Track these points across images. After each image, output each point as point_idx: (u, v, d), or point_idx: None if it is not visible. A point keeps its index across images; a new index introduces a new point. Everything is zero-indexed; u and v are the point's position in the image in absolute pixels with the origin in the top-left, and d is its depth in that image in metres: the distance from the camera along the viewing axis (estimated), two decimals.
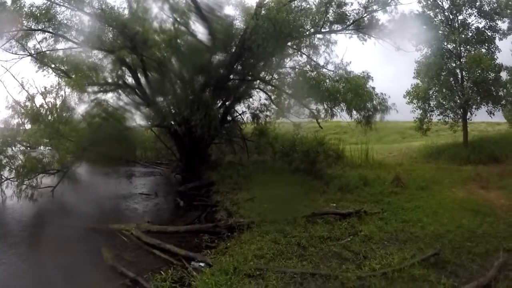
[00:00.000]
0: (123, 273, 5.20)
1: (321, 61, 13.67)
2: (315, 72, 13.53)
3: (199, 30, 13.19)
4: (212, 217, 8.56)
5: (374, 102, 12.71)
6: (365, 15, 13.16)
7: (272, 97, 15.23)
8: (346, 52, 14.59)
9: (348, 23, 13.18)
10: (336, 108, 13.03)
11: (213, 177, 12.23)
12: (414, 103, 16.09)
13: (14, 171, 10.31)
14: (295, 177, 10.91)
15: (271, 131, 14.60)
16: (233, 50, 13.34)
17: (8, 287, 5.10)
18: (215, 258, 5.53)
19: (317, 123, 13.80)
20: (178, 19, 12.80)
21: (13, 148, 10.85)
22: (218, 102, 13.89)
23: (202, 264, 5.43)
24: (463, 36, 14.96)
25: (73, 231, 7.66)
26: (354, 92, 12.34)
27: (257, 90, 15.18)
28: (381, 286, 4.17)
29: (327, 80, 13.09)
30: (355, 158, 13.91)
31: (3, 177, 10.23)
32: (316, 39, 13.64)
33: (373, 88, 12.78)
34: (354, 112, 12.81)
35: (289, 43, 13.22)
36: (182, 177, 13.64)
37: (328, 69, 13.46)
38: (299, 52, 13.99)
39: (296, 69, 14.20)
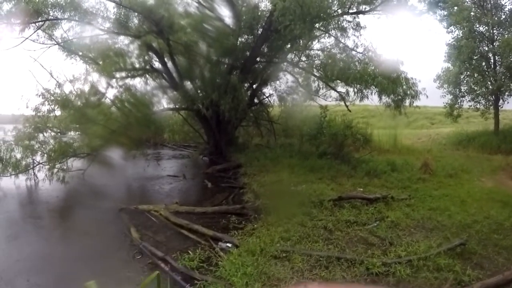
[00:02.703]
0: (152, 252, 5.33)
1: (350, 44, 13.38)
2: (344, 54, 13.29)
3: (225, 13, 13.20)
4: (239, 199, 8.61)
5: (404, 86, 12.42)
6: None
7: (300, 80, 15.14)
8: (375, 34, 14.05)
9: (376, 3, 12.73)
10: (366, 91, 12.89)
11: (241, 159, 12.33)
12: (445, 88, 15.68)
13: (45, 155, 10.72)
14: (322, 160, 10.90)
15: (299, 113, 14.57)
16: (260, 33, 13.30)
17: (37, 266, 5.25)
18: (242, 239, 5.58)
19: (345, 106, 13.62)
20: (203, 2, 12.82)
21: (44, 133, 11.26)
22: (245, 84, 13.90)
23: (229, 245, 5.49)
24: (496, 18, 14.36)
25: (102, 211, 7.96)
26: (385, 75, 12.17)
27: (285, 72, 15.10)
28: (406, 274, 4.13)
29: (356, 63, 12.84)
30: (383, 142, 13.72)
31: (35, 161, 10.65)
32: (344, 21, 13.29)
33: (404, 72, 12.45)
34: (384, 96, 12.65)
35: (317, 25, 12.83)
36: (210, 159, 13.81)
37: (357, 51, 13.18)
38: (327, 34, 13.70)
39: (324, 52, 13.96)
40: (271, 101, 15.87)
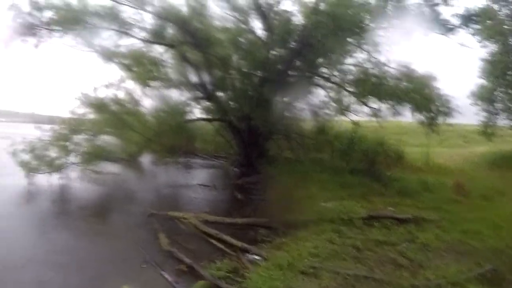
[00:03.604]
0: (179, 259, 5.44)
1: (382, 59, 13.18)
2: (376, 69, 13.17)
3: (258, 26, 13.54)
4: (269, 212, 8.53)
5: (437, 103, 12.23)
6: (425, 9, 12.67)
7: (332, 94, 15.11)
8: (407, 49, 13.88)
9: (408, 17, 12.70)
10: (398, 107, 12.77)
11: (271, 172, 12.28)
12: (479, 105, 15.21)
13: (79, 156, 11.11)
14: (352, 177, 10.78)
15: (330, 128, 14.53)
16: (292, 46, 13.36)
17: (64, 260, 5.44)
18: (270, 252, 5.59)
19: (376, 122, 13.49)
20: (238, 16, 13.09)
21: (79, 135, 11.57)
22: (277, 97, 14.02)
23: (257, 257, 5.52)
24: None
25: (132, 215, 8.22)
26: (418, 92, 12.03)
27: (317, 86, 15.12)
28: None
29: (389, 78, 12.77)
30: (415, 161, 13.45)
31: (69, 161, 11.05)
32: (377, 35, 13.10)
33: (437, 88, 12.26)
34: (416, 113, 12.49)
35: (349, 39, 12.89)
36: (240, 170, 14.02)
37: (390, 67, 13.01)
38: (359, 49, 13.51)
39: (357, 66, 13.85)
40: (303, 115, 15.81)
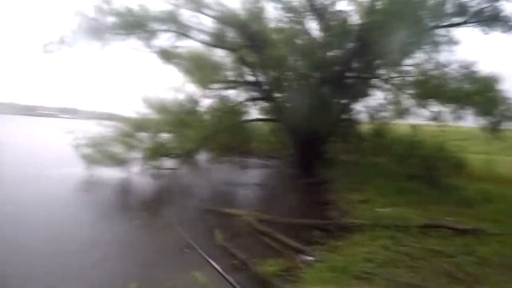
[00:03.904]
0: (233, 255, 5.63)
1: (443, 59, 12.91)
2: (437, 71, 12.82)
3: (314, 27, 13.76)
4: (324, 214, 8.68)
5: (502, 107, 11.59)
6: (487, 5, 12.03)
7: (390, 97, 14.83)
8: (469, 49, 13.18)
9: (469, 15, 12.25)
10: (460, 111, 12.29)
11: (327, 175, 12.35)
12: None
13: (141, 152, 11.91)
14: (410, 183, 10.47)
15: (388, 132, 14.29)
16: (349, 47, 13.31)
17: (123, 254, 5.89)
18: (324, 254, 5.63)
19: (437, 127, 13.04)
20: (294, 17, 13.19)
21: (142, 133, 12.44)
22: (335, 99, 14.05)
23: (311, 258, 5.56)
24: None
25: (189, 210, 8.67)
26: (481, 94, 11.49)
27: (375, 88, 14.95)
28: None
29: (450, 80, 12.36)
30: (477, 169, 12.76)
31: (131, 157, 11.90)
32: (436, 35, 12.87)
33: (502, 91, 11.62)
34: (479, 117, 11.92)
35: (408, 39, 12.48)
36: (296, 172, 14.09)
37: (451, 68, 12.61)
38: (418, 49, 13.28)
39: (416, 67, 13.55)
40: (360, 118, 15.70)
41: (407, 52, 13.23)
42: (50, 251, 5.78)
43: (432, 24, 12.47)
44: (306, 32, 13.66)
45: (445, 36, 12.81)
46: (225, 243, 6.22)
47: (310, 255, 5.72)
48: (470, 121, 12.24)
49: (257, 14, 13.49)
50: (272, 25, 14.01)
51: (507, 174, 12.59)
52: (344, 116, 15.16)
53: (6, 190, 9.48)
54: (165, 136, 13.08)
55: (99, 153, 11.79)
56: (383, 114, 15.09)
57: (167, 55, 14.18)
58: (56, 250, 5.82)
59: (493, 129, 11.79)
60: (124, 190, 10.84)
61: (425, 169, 10.97)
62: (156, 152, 12.03)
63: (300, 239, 6.61)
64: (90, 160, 11.68)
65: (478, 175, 12.21)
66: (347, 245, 6.10)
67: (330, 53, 13.58)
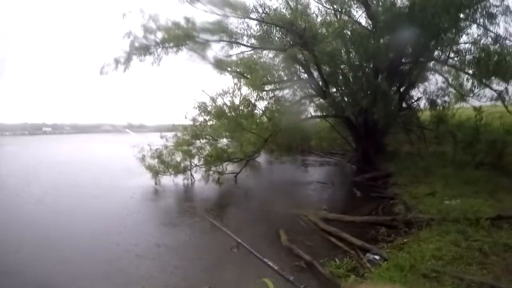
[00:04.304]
0: (298, 255, 5.68)
1: (502, 32, 12.05)
2: (497, 45, 11.98)
3: (361, 16, 13.54)
4: (389, 210, 8.57)
5: None
6: None
7: (450, 79, 14.28)
8: None
9: None
10: None
11: (390, 168, 12.14)
12: None
13: (202, 159, 12.34)
14: (479, 171, 9.99)
15: (451, 117, 13.72)
16: (401, 31, 12.63)
17: (188, 255, 6.24)
18: (390, 252, 5.60)
19: (502, 107, 12.28)
20: (340, 9, 13.03)
21: (201, 140, 12.92)
22: (392, 88, 13.69)
23: (377, 257, 5.53)
24: None
25: (253, 212, 8.88)
26: None
27: (433, 72, 14.48)
28: None
29: None
30: None
31: (192, 164, 12.37)
32: (491, 5, 11.95)
33: None
34: None
35: (462, 14, 11.97)
36: (358, 167, 14.04)
37: (511, 40, 11.84)
38: (474, 24, 12.48)
39: (475, 44, 12.70)
40: (421, 105, 15.27)
41: (462, 28, 12.66)
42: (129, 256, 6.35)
43: None
44: (354, 22, 13.38)
45: (499, 5, 11.96)
46: (290, 244, 6.31)
47: (376, 254, 5.70)
48: None
49: (302, 11, 13.53)
50: (319, 19, 13.96)
51: None
52: (403, 105, 14.69)
53: (85, 202, 10.38)
54: (224, 141, 13.54)
55: (162, 163, 12.43)
56: (444, 98, 14.62)
57: (220, 64, 14.58)
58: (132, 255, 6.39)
59: None
60: (187, 197, 11.30)
61: (494, 155, 10.36)
62: (217, 157, 12.45)
63: (366, 237, 6.64)
64: (155, 171, 12.36)
65: None
66: (414, 242, 6.00)
67: (382, 41, 13.12)
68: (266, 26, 13.79)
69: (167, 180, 12.25)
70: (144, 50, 13.39)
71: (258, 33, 14.04)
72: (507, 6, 11.90)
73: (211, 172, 12.36)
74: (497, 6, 11.93)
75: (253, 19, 13.61)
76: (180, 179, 12.40)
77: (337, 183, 12.08)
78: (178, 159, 12.57)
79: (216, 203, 10.32)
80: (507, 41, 11.89)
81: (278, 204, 9.17)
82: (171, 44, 13.44)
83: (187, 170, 12.53)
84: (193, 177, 12.56)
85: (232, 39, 13.96)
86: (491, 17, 12.01)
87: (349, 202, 10.16)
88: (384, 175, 12.06)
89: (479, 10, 12.03)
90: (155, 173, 12.33)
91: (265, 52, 14.84)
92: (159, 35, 13.40)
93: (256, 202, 10.09)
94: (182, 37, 13.19)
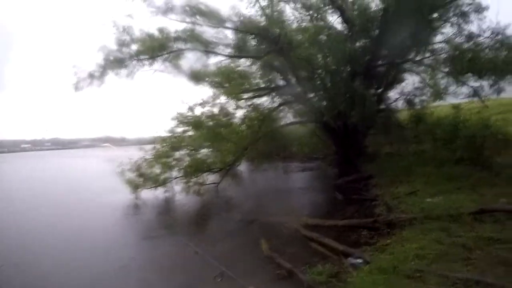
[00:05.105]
0: (279, 264, 5.54)
1: (475, 29, 12.25)
2: (470, 43, 12.21)
3: (336, 20, 13.63)
4: (371, 212, 8.48)
5: None
6: None
7: (426, 79, 14.29)
8: (499, 13, 12.34)
9: None
10: (501, 82, 11.59)
11: (371, 169, 12.14)
12: None
13: (182, 171, 12.09)
14: (459, 167, 10.00)
15: (429, 116, 13.80)
16: (375, 34, 13.05)
17: (166, 270, 6.02)
18: (373, 255, 5.49)
19: (478, 103, 12.50)
20: (315, 15, 13.02)
21: (180, 151, 12.66)
22: (370, 90, 13.66)
23: (359, 261, 5.41)
24: None
25: (233, 222, 8.69)
26: None
27: (409, 72, 14.51)
28: None
29: (486, 50, 11.77)
30: None
31: (172, 176, 12.09)
32: (463, 5, 12.16)
33: None
34: None
35: (435, 15, 12.16)
36: (339, 170, 13.92)
37: (484, 37, 11.99)
38: (447, 23, 12.70)
39: (448, 43, 12.87)
40: (399, 105, 15.33)
41: (436, 28, 12.83)
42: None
43: None
44: (329, 27, 13.41)
45: (471, 4, 12.15)
46: (272, 253, 6.15)
47: (358, 258, 5.55)
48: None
49: (277, 18, 13.46)
50: (294, 26, 13.92)
51: None
52: (381, 106, 14.69)
53: (65, 217, 10.20)
54: (203, 151, 13.28)
55: (142, 177, 12.15)
56: (422, 98, 14.67)
57: (196, 74, 14.36)
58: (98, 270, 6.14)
59: None
60: (167, 210, 11.06)
61: (473, 150, 10.35)
62: (197, 168, 12.23)
63: (348, 241, 6.52)
64: (134, 184, 12.05)
65: None
66: (397, 243, 5.89)
67: (357, 44, 13.28)
68: (241, 34, 13.62)
69: (148, 193, 11.95)
70: (119, 63, 13.07)
71: (234, 42, 13.85)
72: (479, 4, 12.08)
73: (191, 184, 12.11)
74: (469, 5, 12.13)
75: (228, 28, 13.45)
76: (160, 192, 12.10)
77: (318, 188, 11.97)
78: (158, 171, 12.31)
79: (197, 215, 10.12)
80: (480, 38, 12.05)
81: (260, 213, 9.07)
82: (146, 56, 13.16)
83: (167, 182, 12.25)
84: (174, 190, 12.25)
85: (208, 48, 13.74)
86: (464, 15, 12.20)
87: (331, 206, 10.07)
88: (365, 177, 12.00)
89: (452, 9, 12.24)
90: (135, 187, 12.02)
91: (242, 60, 14.66)
92: (134, 47, 13.15)
93: (238, 211, 9.90)
94: (156, 48, 12.93)
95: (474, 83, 12.42)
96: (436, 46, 13.41)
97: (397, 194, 9.12)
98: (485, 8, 12.01)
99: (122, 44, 12.92)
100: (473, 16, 12.14)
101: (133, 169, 12.29)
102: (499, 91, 11.73)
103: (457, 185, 8.78)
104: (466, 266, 4.84)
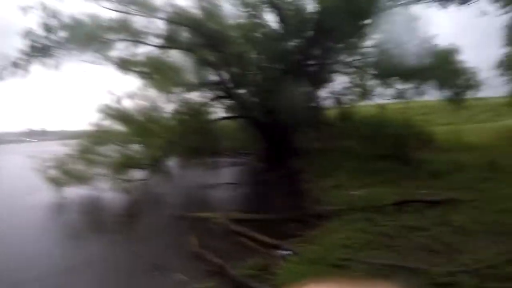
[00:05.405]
0: (209, 260, 5.40)
1: (402, 37, 12.79)
2: (397, 49, 12.78)
3: (272, 19, 13.49)
4: (299, 205, 8.47)
5: (464, 77, 11.95)
6: None
7: (355, 79, 14.92)
8: (427, 24, 13.43)
9: None
10: (424, 85, 12.47)
11: (299, 164, 12.24)
12: (507, 75, 14.52)
13: (108, 167, 11.27)
14: (382, 162, 10.45)
15: (356, 114, 14.31)
16: (309, 35, 13.19)
17: (97, 271, 5.60)
18: (301, 246, 5.50)
19: (403, 104, 13.28)
20: (251, 12, 12.99)
21: (106, 147, 11.80)
22: (300, 88, 13.89)
23: (288, 252, 5.42)
24: None
25: (162, 219, 8.38)
26: (442, 67, 11.67)
27: (338, 73, 14.95)
28: (473, 284, 3.84)
29: (411, 56, 12.39)
30: (445, 140, 12.90)
31: (98, 173, 11.21)
32: (395, 14, 12.70)
33: (462, 61, 12.01)
34: (443, 90, 12.16)
35: (367, 21, 12.61)
36: (268, 165, 13.80)
37: (411, 45, 12.67)
38: (377, 29, 13.19)
39: (377, 48, 13.61)
40: (327, 104, 15.69)
41: (366, 33, 13.30)
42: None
43: (389, 3, 12.47)
44: (264, 25, 13.41)
45: (402, 14, 12.77)
46: (201, 249, 5.95)
47: (286, 249, 5.56)
48: (434, 95, 12.40)
49: (212, 12, 13.16)
50: (229, 21, 13.72)
51: (475, 142, 12.87)
52: (310, 104, 14.99)
53: None
54: (131, 147, 12.54)
55: (65, 174, 11.16)
56: (349, 97, 15.17)
57: (125, 64, 13.65)
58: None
59: (457, 99, 12.01)
60: (93, 209, 10.23)
61: (395, 147, 10.97)
62: (124, 164, 11.51)
63: (277, 234, 6.43)
64: (58, 182, 11.08)
65: (447, 146, 12.44)
66: (324, 234, 5.99)
67: (290, 44, 13.38)
68: (174, 26, 13.14)
69: (72, 192, 10.88)
70: (46, 51, 12.01)
71: (166, 33, 13.32)
72: (410, 14, 12.84)
73: (119, 181, 11.33)
74: (400, 14, 12.70)
75: (161, 18, 12.90)
76: (86, 191, 11.16)
77: (248, 183, 11.92)
78: (83, 168, 11.30)
79: (125, 213, 9.50)
80: (406, 45, 12.63)
81: (189, 209, 8.71)
82: (75, 44, 12.20)
83: (92, 180, 11.34)
84: (99, 188, 11.41)
85: (139, 38, 13.07)
86: (395, 23, 12.65)
87: (260, 200, 9.99)
88: (293, 171, 12.10)
89: (384, 17, 12.63)
90: (59, 185, 10.96)
91: (173, 52, 14.14)
92: (62, 34, 12.14)
93: (166, 208, 9.45)
94: (86, 36, 12.04)
95: (399, 85, 13.17)
96: (366, 49, 14.01)
97: (323, 187, 9.31)
98: (415, 19, 12.82)
99: (49, 30, 11.92)
100: (402, 25, 12.70)
101: (57, 165, 11.21)
102: (422, 94, 12.43)
103: (380, 179, 9.20)
104: (389, 253, 5.02)
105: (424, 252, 4.95)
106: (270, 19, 13.62)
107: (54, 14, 11.79)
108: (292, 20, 12.86)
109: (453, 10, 12.23)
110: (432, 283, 4.06)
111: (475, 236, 5.32)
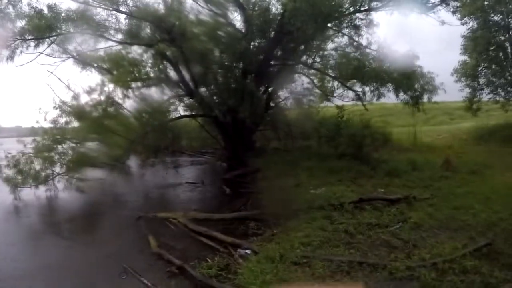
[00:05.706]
0: (169, 261, 5.28)
1: (364, 42, 13.34)
2: (358, 53, 13.22)
3: (237, 18, 13.44)
4: (258, 204, 8.42)
5: (421, 81, 12.32)
6: None
7: (315, 81, 15.08)
8: (388, 31, 14.03)
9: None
10: (382, 89, 12.78)
11: (259, 164, 12.16)
12: (463, 81, 15.31)
13: (64, 166, 10.81)
14: (341, 162, 10.71)
15: (316, 115, 14.43)
16: (272, 36, 13.20)
17: (55, 273, 5.30)
18: (261, 245, 5.47)
19: (362, 106, 13.55)
20: (215, 9, 12.83)
21: (63, 145, 11.31)
22: (261, 88, 13.84)
23: (248, 252, 5.39)
24: (510, 6, 13.92)
25: (121, 219, 8.06)
26: (401, 72, 12.02)
27: (300, 74, 14.99)
28: (431, 278, 3.93)
29: (371, 60, 12.80)
30: (403, 141, 13.51)
31: (54, 172, 10.74)
32: (357, 19, 13.18)
33: (420, 67, 12.37)
34: (401, 93, 12.54)
35: (329, 24, 12.77)
36: (228, 165, 13.82)
37: (371, 49, 13.13)
38: (340, 33, 13.65)
39: (338, 51, 13.83)
40: (288, 104, 15.71)
41: (328, 37, 13.54)
42: None
43: (352, 9, 12.66)
44: (228, 24, 13.24)
45: (363, 19, 13.16)
46: (160, 250, 5.79)
47: (247, 248, 5.51)
48: (393, 98, 12.75)
49: (176, 8, 12.83)
50: (192, 18, 13.45)
51: (431, 143, 13.44)
52: (271, 104, 15.01)
53: None
54: (88, 144, 12.02)
55: (21, 174, 10.51)
56: (310, 98, 15.31)
57: (84, 58, 13.20)
58: None
59: (415, 103, 12.50)
60: (51, 210, 9.87)
61: (354, 147, 11.27)
62: (82, 163, 10.95)
63: (237, 233, 6.45)
64: (13, 183, 10.37)
65: (404, 147, 12.99)
66: (284, 232, 5.97)
67: (253, 43, 13.32)
68: (135, 20, 12.70)
69: (28, 193, 10.32)
70: (1, 40, 11.24)
71: (126, 27, 12.86)
72: (370, 20, 13.13)
73: (74, 180, 10.77)
74: (362, 20, 13.12)
75: (122, 12, 12.42)
76: (42, 191, 10.55)
77: (207, 182, 11.68)
78: (38, 167, 10.71)
79: (81, 214, 9.06)
80: (367, 50, 13.16)
81: (147, 209, 8.42)
82: (32, 36, 11.50)
83: (49, 179, 10.72)
84: (56, 187, 10.79)
85: (99, 32, 12.51)
86: (356, 28, 13.18)
87: (219, 200, 9.94)
88: (253, 170, 12.03)
89: (346, 21, 13.10)
90: (14, 185, 10.27)
91: (134, 47, 13.68)
92: (19, 24, 11.47)
93: (124, 208, 9.12)
94: (44, 27, 11.36)
95: (358, 88, 13.52)
96: (327, 52, 14.28)
97: (283, 186, 9.29)
98: (376, 25, 13.13)
99: (4, 18, 11.28)
100: (364, 30, 13.21)
101: (11, 165, 10.56)
102: (379, 96, 12.84)
103: (339, 177, 9.38)
104: (349, 249, 5.06)
105: (383, 248, 5.02)
106: (234, 18, 13.56)
107: (10, 1, 11.22)
108: (256, 20, 12.81)
109: (414, 18, 12.66)
110: (392, 278, 4.12)
111: (432, 232, 5.48)
